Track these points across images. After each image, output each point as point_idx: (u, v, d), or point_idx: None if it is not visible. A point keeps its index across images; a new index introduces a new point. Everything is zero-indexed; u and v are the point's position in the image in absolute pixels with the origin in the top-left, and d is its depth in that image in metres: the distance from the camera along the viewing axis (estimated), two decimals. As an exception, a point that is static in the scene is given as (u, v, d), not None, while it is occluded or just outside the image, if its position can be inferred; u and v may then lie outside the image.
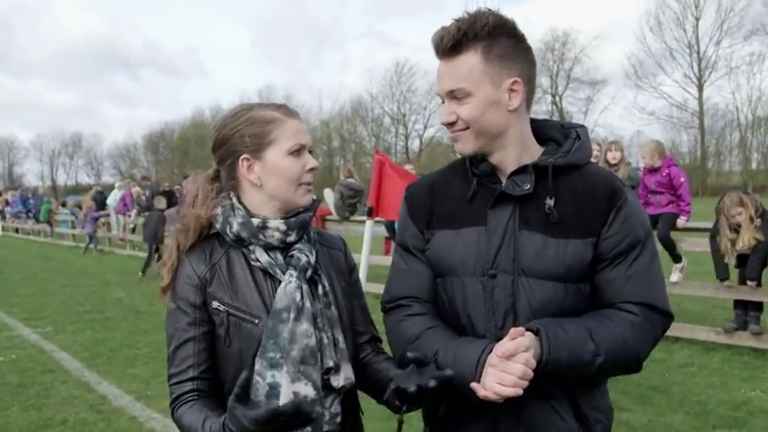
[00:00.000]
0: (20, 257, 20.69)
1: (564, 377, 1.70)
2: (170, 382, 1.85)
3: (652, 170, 8.25)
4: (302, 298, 1.78)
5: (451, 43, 1.75)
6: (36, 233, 29.05)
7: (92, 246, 20.99)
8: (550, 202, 1.77)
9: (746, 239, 6.96)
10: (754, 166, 55.43)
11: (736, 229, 7.09)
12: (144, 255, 19.02)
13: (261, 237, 1.82)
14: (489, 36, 1.75)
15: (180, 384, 1.81)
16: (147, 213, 15.03)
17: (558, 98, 64.30)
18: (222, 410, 1.72)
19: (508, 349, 1.61)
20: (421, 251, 1.95)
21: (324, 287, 1.87)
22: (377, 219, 5.68)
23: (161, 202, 15.44)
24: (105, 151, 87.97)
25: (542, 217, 1.78)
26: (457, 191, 1.91)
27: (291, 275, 1.80)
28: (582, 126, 1.95)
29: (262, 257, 1.83)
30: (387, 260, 9.81)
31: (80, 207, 22.90)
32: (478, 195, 1.86)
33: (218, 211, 1.87)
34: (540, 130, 1.92)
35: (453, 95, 1.78)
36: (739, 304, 7.42)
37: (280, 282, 1.80)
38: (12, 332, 9.26)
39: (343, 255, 2.06)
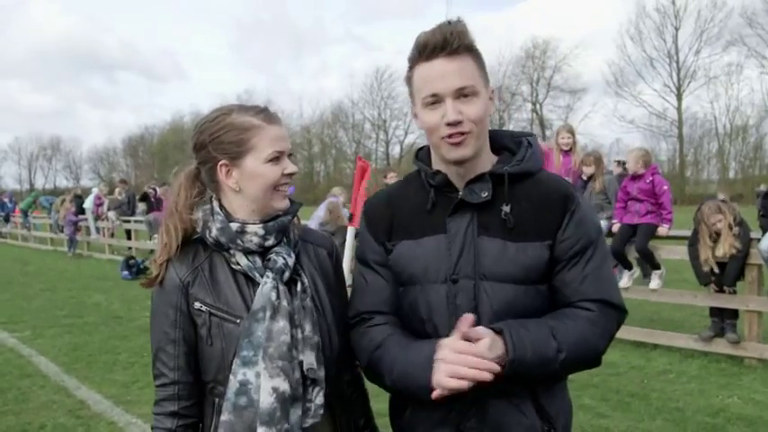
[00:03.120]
0: (-3, 261, 20.45)
1: (529, 376, 1.72)
2: (154, 384, 1.89)
3: (635, 177, 8.31)
4: (278, 297, 1.80)
5: (457, 44, 1.76)
6: (14, 237, 28.77)
7: (71, 250, 20.79)
8: (506, 208, 1.83)
9: (726, 247, 7.04)
10: (731, 175, 56.01)
11: (715, 238, 7.17)
12: (123, 259, 19.01)
13: (239, 242, 1.85)
14: (475, 47, 1.82)
15: (162, 387, 1.87)
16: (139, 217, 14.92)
17: (538, 106, 64.74)
18: (200, 412, 1.84)
19: (462, 340, 1.65)
20: (381, 265, 1.98)
21: (303, 284, 1.89)
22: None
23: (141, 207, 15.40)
24: (84, 155, 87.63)
25: (500, 222, 1.83)
26: (415, 202, 1.96)
27: (268, 277, 1.82)
28: (531, 134, 2.01)
29: (241, 261, 1.86)
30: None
31: (57, 210, 22.67)
32: (437, 205, 1.90)
33: (199, 215, 1.90)
34: (493, 140, 1.96)
35: (462, 93, 1.78)
36: (715, 312, 7.50)
37: (258, 285, 1.83)
38: (-11, 336, 9.16)
39: (327, 253, 2.08)
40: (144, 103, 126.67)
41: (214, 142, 1.86)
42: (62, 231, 21.91)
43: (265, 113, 1.88)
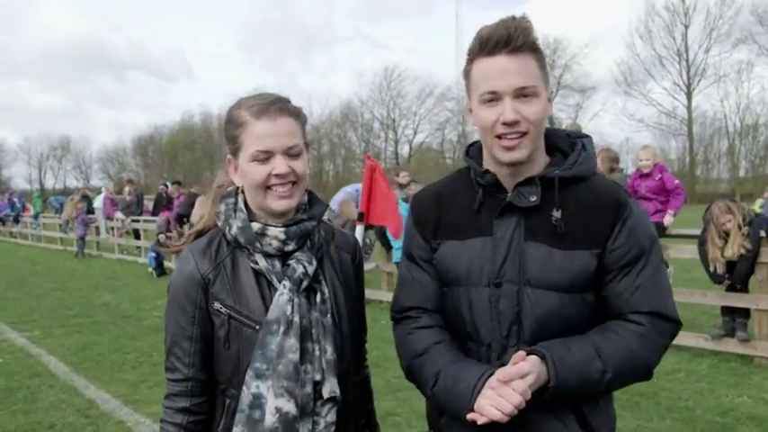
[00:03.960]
0: (7, 261, 20.55)
1: (573, 397, 1.71)
2: (166, 376, 1.87)
3: (643, 175, 8.25)
4: (292, 312, 1.75)
5: (522, 41, 1.72)
6: (24, 236, 28.90)
7: (80, 252, 20.79)
8: (557, 213, 1.78)
9: (735, 247, 7.00)
10: (741, 173, 55.77)
11: (724, 237, 7.13)
12: (132, 258, 19.06)
13: (258, 244, 1.79)
14: (538, 47, 1.78)
15: (174, 382, 1.84)
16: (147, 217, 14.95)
17: (547, 104, 64.51)
18: (211, 409, 1.82)
19: (509, 374, 1.62)
20: (426, 261, 1.95)
21: (323, 294, 1.84)
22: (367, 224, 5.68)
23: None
24: (94, 155, 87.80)
25: (548, 228, 1.78)
26: (463, 201, 1.91)
27: (284, 287, 1.77)
28: (588, 136, 1.94)
29: (260, 262, 1.81)
30: (384, 266, 9.80)
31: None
32: (484, 206, 1.86)
33: (221, 208, 1.85)
34: (547, 139, 1.90)
35: (522, 93, 1.73)
36: (726, 311, 7.46)
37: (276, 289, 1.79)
38: (-1, 336, 9.21)
39: (351, 258, 2.02)
40: (153, 103, 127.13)
41: (224, 136, 1.84)
42: (71, 231, 21.91)
43: (259, 107, 1.77)
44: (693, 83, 55.49)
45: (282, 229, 1.80)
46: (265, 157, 1.75)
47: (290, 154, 1.78)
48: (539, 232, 1.79)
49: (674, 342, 6.32)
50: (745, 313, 7.32)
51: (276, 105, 1.78)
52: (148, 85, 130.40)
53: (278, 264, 1.81)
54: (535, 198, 1.78)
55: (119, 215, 20.02)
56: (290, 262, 1.81)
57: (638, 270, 1.78)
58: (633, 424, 5.31)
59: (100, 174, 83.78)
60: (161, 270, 15.25)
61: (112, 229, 20.90)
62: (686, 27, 55.03)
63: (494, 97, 1.74)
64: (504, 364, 1.69)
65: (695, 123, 56.10)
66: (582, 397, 1.76)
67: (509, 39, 1.71)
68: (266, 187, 1.77)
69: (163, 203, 17.96)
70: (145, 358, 7.71)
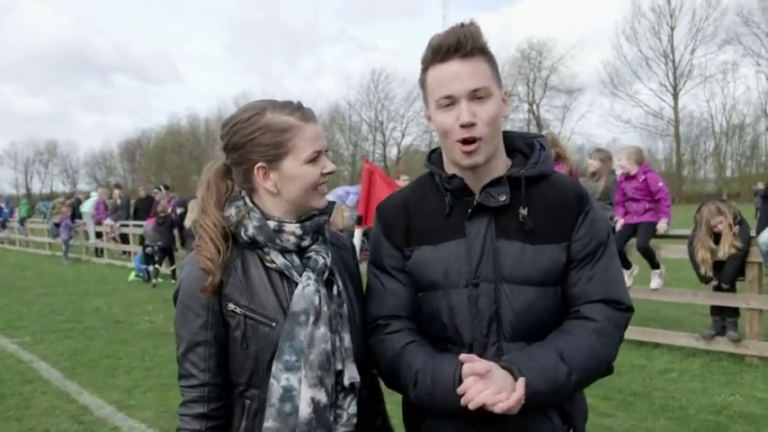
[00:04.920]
0: (-5, 267, 20.41)
1: (543, 403, 1.74)
2: (180, 384, 1.85)
3: (628, 177, 8.30)
4: (320, 302, 1.77)
5: (471, 46, 1.76)
6: (12, 242, 28.73)
7: (66, 257, 20.65)
8: (524, 211, 1.84)
9: (727, 247, 7.05)
10: (728, 173, 56.11)
11: (715, 238, 7.18)
12: (121, 263, 18.97)
13: (277, 241, 1.81)
14: (488, 49, 1.82)
15: (190, 389, 1.82)
16: (158, 218, 14.85)
17: (534, 106, 64.81)
18: (228, 413, 1.82)
19: (480, 367, 1.65)
20: (398, 270, 1.97)
21: (338, 287, 1.87)
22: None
23: (165, 208, 15.23)
24: (81, 159, 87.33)
25: (518, 226, 1.84)
26: (430, 206, 1.95)
27: (309, 278, 1.79)
28: (542, 136, 2.02)
29: (277, 259, 1.82)
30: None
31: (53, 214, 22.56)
32: (454, 209, 1.90)
33: (232, 211, 1.85)
34: (505, 141, 1.96)
35: (476, 95, 1.77)
36: (716, 311, 7.51)
37: (296, 284, 1.80)
38: (-11, 342, 9.14)
39: (350, 255, 2.08)
40: (139, 106, 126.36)
41: (250, 144, 1.81)
42: (57, 236, 21.77)
43: (302, 111, 1.83)
44: (680, 84, 55.86)
45: (298, 224, 1.83)
46: (317, 156, 1.83)
47: (326, 152, 1.88)
48: (509, 230, 1.84)
49: (667, 342, 6.39)
50: (735, 312, 7.38)
51: (309, 109, 1.87)
52: (134, 88, 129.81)
53: (296, 259, 1.84)
54: (504, 197, 1.83)
55: (108, 221, 19.92)
56: (310, 254, 1.85)
57: (595, 260, 1.85)
58: (627, 424, 5.34)
59: (87, 178, 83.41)
60: (147, 276, 15.16)
61: (99, 234, 20.78)
62: (672, 28, 55.41)
63: (450, 101, 1.79)
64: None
65: (682, 124, 56.45)
66: None
67: (459, 44, 1.77)
68: (315, 187, 1.84)
69: (148, 208, 17.79)
70: (138, 363, 7.68)
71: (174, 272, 14.76)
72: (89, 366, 7.66)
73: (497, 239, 1.83)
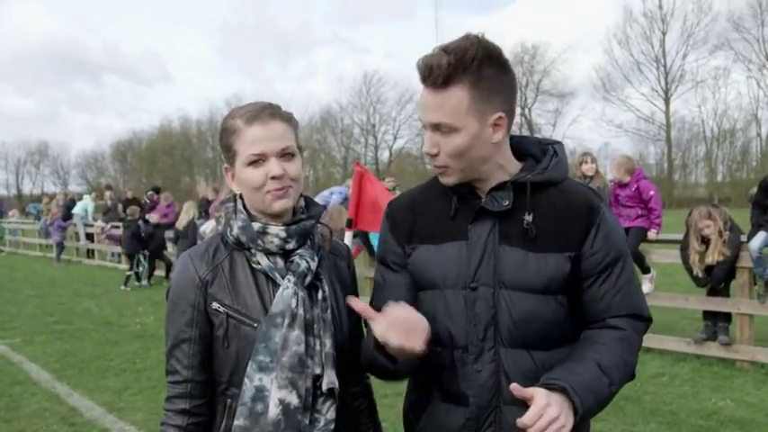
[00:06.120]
0: (-15, 268, 20.32)
1: (592, 417, 1.74)
2: (166, 379, 1.89)
3: (622, 185, 8.33)
4: (297, 305, 1.79)
5: (441, 79, 1.71)
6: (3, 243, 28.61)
7: (58, 258, 20.60)
8: (528, 217, 1.81)
9: (716, 254, 7.08)
10: (719, 178, 56.30)
11: (705, 242, 7.21)
12: (112, 265, 18.91)
13: (260, 242, 1.82)
14: (478, 69, 1.73)
15: (174, 384, 1.86)
16: (123, 223, 14.83)
17: (526, 110, 64.71)
18: (211, 411, 1.84)
19: (531, 418, 1.56)
20: (400, 266, 1.97)
21: (323, 292, 1.87)
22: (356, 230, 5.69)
23: (135, 212, 15.23)
24: (72, 160, 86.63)
25: (521, 232, 1.81)
26: (437, 207, 1.94)
27: (289, 281, 1.80)
28: (559, 142, 1.99)
29: (262, 261, 1.84)
30: (367, 272, 9.80)
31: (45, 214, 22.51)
32: (459, 212, 1.89)
33: (222, 212, 1.90)
34: (519, 146, 1.94)
35: (438, 128, 1.78)
36: (708, 315, 7.54)
37: (279, 286, 1.82)
38: (-22, 344, 9.10)
39: (346, 264, 2.08)
40: (130, 107, 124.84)
41: (220, 146, 1.90)
42: (48, 235, 21.69)
43: (251, 113, 1.82)
44: (671, 88, 55.90)
45: (283, 227, 1.84)
46: (259, 159, 1.80)
47: (284, 156, 1.82)
48: (512, 236, 1.82)
49: (657, 346, 6.41)
50: (727, 317, 7.40)
51: (267, 111, 1.84)
52: (124, 89, 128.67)
53: (280, 261, 1.85)
54: (507, 202, 1.82)
55: (99, 222, 19.86)
56: (294, 258, 1.85)
57: (617, 273, 1.83)
58: (618, 428, 5.35)
59: (78, 179, 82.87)
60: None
61: (90, 236, 20.72)
62: (664, 33, 55.46)
63: (424, 127, 1.81)
64: (479, 370, 1.77)
65: (673, 129, 56.51)
66: None
67: (430, 72, 1.73)
68: (263, 190, 1.82)
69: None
70: (128, 365, 7.66)
71: (168, 273, 14.68)
72: (79, 368, 7.64)
73: (500, 244, 1.82)
